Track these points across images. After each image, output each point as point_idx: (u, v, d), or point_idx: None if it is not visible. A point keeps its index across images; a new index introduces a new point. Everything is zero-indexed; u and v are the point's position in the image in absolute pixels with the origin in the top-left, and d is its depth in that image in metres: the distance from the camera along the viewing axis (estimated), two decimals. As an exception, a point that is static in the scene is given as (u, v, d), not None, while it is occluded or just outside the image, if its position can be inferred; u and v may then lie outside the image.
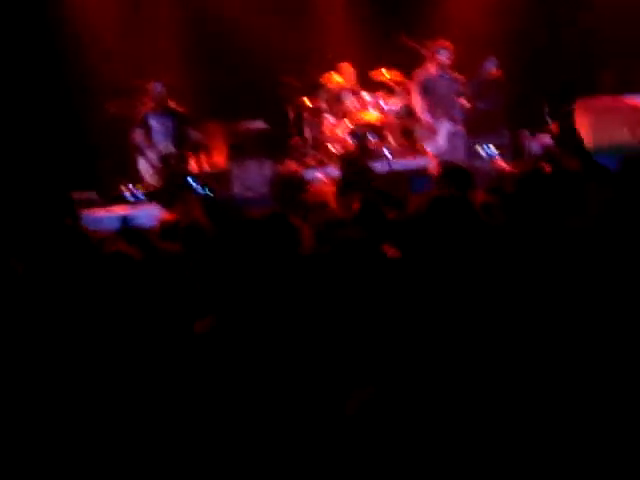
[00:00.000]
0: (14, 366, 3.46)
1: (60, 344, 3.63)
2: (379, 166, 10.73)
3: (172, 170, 9.18)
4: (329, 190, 8.66)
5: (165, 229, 5.83)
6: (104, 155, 10.66)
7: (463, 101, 9.32)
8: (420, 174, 10.03)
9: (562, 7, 12.20)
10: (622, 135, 10.16)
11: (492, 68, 9.15)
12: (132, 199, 10.02)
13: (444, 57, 9.20)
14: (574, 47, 11.98)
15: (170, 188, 9.02)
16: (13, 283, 4.16)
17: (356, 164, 8.78)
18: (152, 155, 9.22)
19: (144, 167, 9.26)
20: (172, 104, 9.38)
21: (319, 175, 10.13)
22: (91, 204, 9.62)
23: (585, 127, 10.70)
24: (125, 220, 6.97)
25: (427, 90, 9.41)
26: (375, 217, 4.94)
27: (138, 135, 9.25)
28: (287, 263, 4.10)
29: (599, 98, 11.03)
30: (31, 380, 3.40)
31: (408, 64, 10.84)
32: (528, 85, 11.79)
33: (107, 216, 9.04)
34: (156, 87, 9.31)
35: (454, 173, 6.13)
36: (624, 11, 11.64)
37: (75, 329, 3.70)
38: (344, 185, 7.95)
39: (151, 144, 9.24)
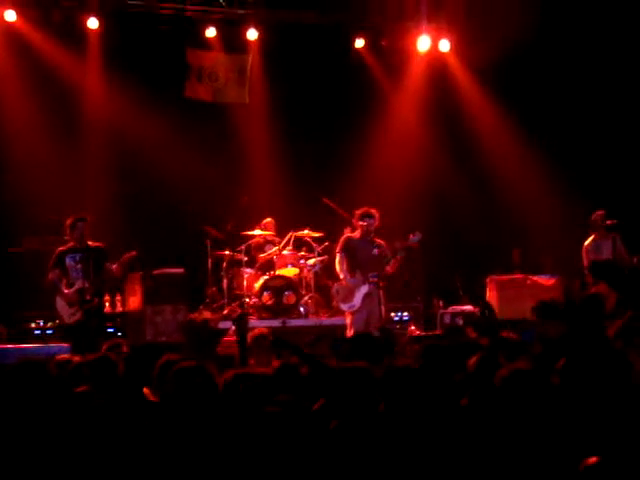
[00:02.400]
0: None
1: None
2: (293, 322, 10.90)
3: (87, 309, 9.01)
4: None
5: (76, 370, 5.69)
6: (16, 289, 10.47)
7: (382, 266, 9.56)
8: (333, 332, 10.18)
9: (483, 193, 12.92)
10: (526, 310, 10.51)
11: (415, 241, 9.51)
12: (41, 335, 9.83)
13: (368, 223, 9.52)
14: (490, 227, 12.63)
15: (84, 327, 8.84)
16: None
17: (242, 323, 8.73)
18: (68, 294, 9.06)
19: (61, 306, 9.07)
20: (90, 242, 9.29)
21: (233, 327, 10.12)
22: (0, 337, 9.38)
23: (494, 301, 11.12)
24: None
25: (349, 252, 9.66)
26: (293, 376, 4.93)
27: (54, 274, 9.11)
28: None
29: (508, 275, 11.51)
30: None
31: (331, 226, 11.24)
32: (446, 258, 12.33)
33: (14, 350, 8.80)
34: (77, 224, 9.22)
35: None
36: (536, 199, 12.43)
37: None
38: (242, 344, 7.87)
39: (67, 283, 9.10)
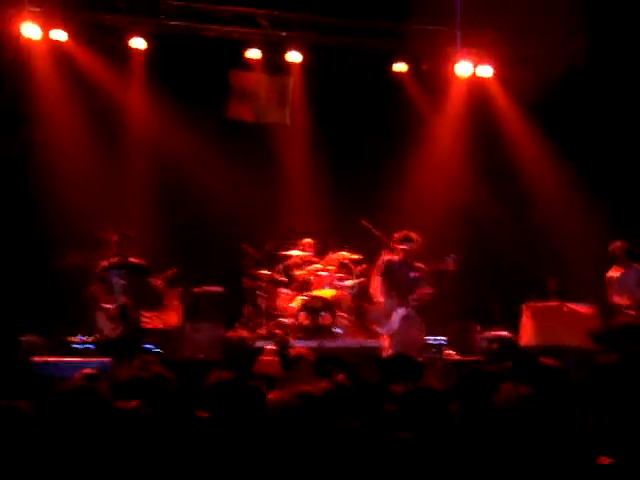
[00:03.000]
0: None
1: None
2: (330, 343, 10.93)
3: (128, 324, 9.15)
4: (277, 362, 8.73)
5: (121, 385, 5.75)
6: (59, 303, 10.63)
7: (421, 289, 9.57)
8: (369, 354, 10.19)
9: (521, 218, 12.93)
10: (564, 338, 10.48)
11: (451, 263, 9.50)
12: (82, 349, 9.95)
13: (409, 247, 9.53)
14: (528, 254, 12.60)
15: (125, 342, 8.96)
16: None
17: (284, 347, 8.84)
18: (110, 309, 9.20)
19: (102, 320, 9.22)
20: (133, 258, 9.44)
21: (269, 346, 10.20)
22: (40, 350, 9.49)
23: (529, 328, 11.08)
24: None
25: (387, 274, 9.67)
26: (345, 395, 4.98)
27: (97, 288, 9.26)
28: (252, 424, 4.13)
29: (544, 302, 11.47)
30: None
31: (370, 248, 11.29)
32: (483, 283, 12.31)
33: (55, 363, 8.92)
34: (118, 239, 9.38)
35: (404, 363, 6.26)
36: (575, 227, 12.38)
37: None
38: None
39: (110, 298, 9.25)
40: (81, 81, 11.69)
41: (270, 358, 9.56)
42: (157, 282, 9.36)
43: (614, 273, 10.23)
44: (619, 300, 10.07)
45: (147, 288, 9.40)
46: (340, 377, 5.91)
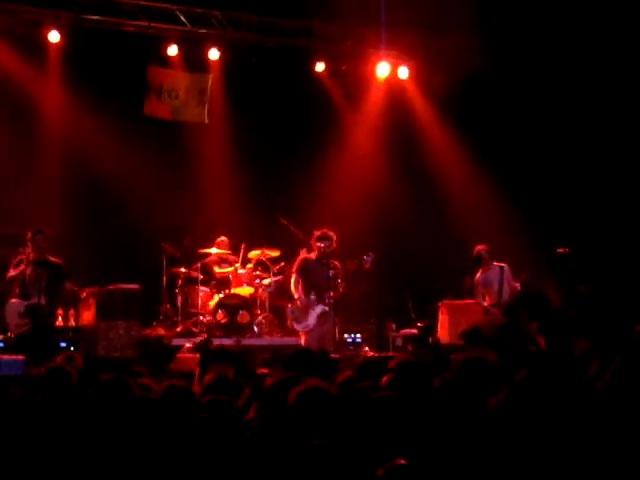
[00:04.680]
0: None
1: None
2: (247, 341, 10.91)
3: (39, 322, 8.98)
4: (195, 359, 8.70)
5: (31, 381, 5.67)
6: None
7: (337, 287, 9.68)
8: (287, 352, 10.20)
9: (439, 218, 13.12)
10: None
11: (368, 262, 9.67)
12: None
13: (325, 245, 9.64)
14: (444, 253, 12.78)
15: (35, 340, 8.79)
16: None
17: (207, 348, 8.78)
18: (22, 306, 9.02)
19: (10, 314, 9.03)
20: (50, 256, 9.29)
21: (187, 344, 10.14)
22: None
23: (445, 325, 11.26)
24: None
25: (305, 273, 9.76)
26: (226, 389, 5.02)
27: (11, 285, 9.08)
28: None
29: (459, 300, 11.67)
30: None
31: (288, 246, 11.32)
32: (399, 282, 12.44)
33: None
34: (35, 237, 9.21)
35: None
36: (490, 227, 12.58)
37: None
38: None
39: (23, 295, 9.07)
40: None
41: (188, 355, 9.52)
42: (73, 288, 9.27)
43: (479, 275, 10.61)
44: (484, 301, 10.41)
45: (63, 288, 9.27)
46: (230, 371, 5.99)
